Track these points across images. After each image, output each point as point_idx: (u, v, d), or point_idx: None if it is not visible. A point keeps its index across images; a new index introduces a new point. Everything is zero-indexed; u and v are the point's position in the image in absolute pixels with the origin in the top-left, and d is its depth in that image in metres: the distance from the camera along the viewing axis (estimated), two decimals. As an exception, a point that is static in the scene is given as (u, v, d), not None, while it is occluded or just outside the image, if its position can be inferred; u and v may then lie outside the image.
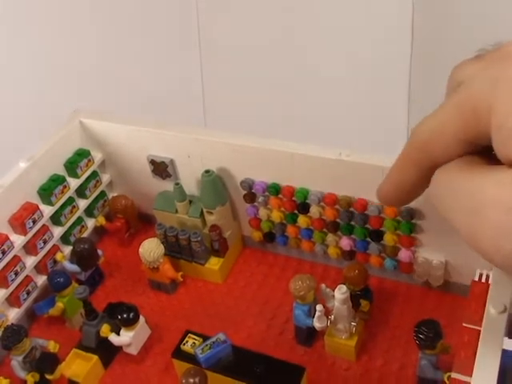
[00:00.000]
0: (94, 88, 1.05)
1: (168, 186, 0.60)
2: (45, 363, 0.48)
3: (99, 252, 0.59)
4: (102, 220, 0.63)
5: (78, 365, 0.51)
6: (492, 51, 0.30)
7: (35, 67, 1.10)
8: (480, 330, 0.36)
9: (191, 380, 0.43)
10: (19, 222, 0.53)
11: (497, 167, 0.27)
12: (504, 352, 0.36)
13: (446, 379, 0.43)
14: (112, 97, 1.04)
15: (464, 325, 0.39)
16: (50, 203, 0.56)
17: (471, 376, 0.34)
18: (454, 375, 0.37)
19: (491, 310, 0.36)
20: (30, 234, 0.54)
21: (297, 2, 0.99)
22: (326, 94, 1.03)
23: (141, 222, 0.65)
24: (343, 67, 1.00)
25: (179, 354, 0.49)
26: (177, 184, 0.57)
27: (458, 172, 0.29)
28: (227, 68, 1.09)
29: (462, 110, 0.28)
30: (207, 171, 0.55)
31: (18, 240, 0.54)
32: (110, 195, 0.64)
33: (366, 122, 1.02)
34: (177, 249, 0.58)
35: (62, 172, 0.58)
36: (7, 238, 0.52)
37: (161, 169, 0.59)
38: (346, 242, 0.54)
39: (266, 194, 0.55)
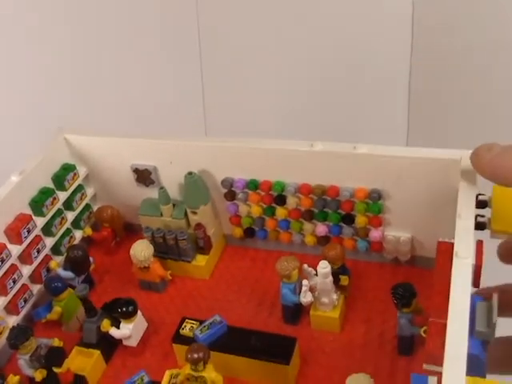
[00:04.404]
0: (89, 97, 1.05)
1: (150, 193, 0.64)
2: (53, 357, 0.50)
3: (90, 259, 0.62)
4: (88, 231, 0.66)
5: (81, 361, 0.54)
6: None
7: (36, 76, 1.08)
8: (450, 279, 0.42)
9: (196, 355, 0.47)
10: (15, 231, 0.56)
11: None
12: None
13: (422, 333, 0.48)
14: (108, 107, 1.04)
15: (435, 275, 0.44)
16: (42, 214, 0.60)
17: (446, 318, 0.39)
18: (431, 320, 0.42)
19: (459, 257, 0.41)
20: (25, 244, 0.57)
21: (297, 2, 0.99)
22: (326, 94, 1.04)
23: (125, 232, 0.69)
24: (343, 67, 1.01)
25: (179, 338, 0.52)
26: (161, 188, 0.61)
27: None
28: (228, 71, 1.08)
29: None
30: (190, 173, 0.59)
31: (15, 249, 0.57)
32: (95, 208, 0.68)
33: (366, 121, 1.04)
34: (164, 249, 0.62)
35: (50, 185, 0.62)
36: (5, 247, 0.55)
37: (144, 176, 0.63)
38: (321, 229, 0.59)
39: (246, 190, 0.60)
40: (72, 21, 1.02)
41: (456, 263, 0.41)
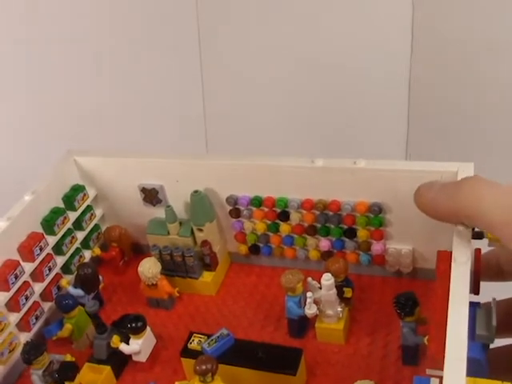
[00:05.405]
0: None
1: (157, 213, 0.66)
2: (66, 371, 0.51)
3: (100, 277, 0.64)
4: (97, 251, 0.67)
5: (92, 377, 0.55)
6: None
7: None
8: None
9: (204, 366, 0.48)
10: (28, 249, 0.58)
11: None
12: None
13: (425, 341, 0.49)
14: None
15: (437, 283, 0.46)
16: (53, 233, 0.61)
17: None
18: (433, 325, 0.44)
19: (457, 262, 0.42)
20: (37, 261, 0.59)
21: (296, 4, 1.00)
22: (325, 94, 1.04)
23: (132, 252, 0.70)
24: (343, 69, 1.02)
25: (187, 352, 0.54)
26: (168, 207, 0.63)
27: None
28: (228, 72, 1.08)
29: None
30: (196, 191, 0.61)
31: (27, 266, 0.58)
32: (103, 228, 0.70)
33: (366, 122, 1.04)
34: (171, 267, 0.63)
35: (61, 205, 0.64)
36: (19, 264, 0.57)
37: (151, 196, 0.65)
38: (324, 243, 0.61)
39: (250, 207, 0.62)
40: (70, 21, 1.03)
41: (454, 267, 0.42)
